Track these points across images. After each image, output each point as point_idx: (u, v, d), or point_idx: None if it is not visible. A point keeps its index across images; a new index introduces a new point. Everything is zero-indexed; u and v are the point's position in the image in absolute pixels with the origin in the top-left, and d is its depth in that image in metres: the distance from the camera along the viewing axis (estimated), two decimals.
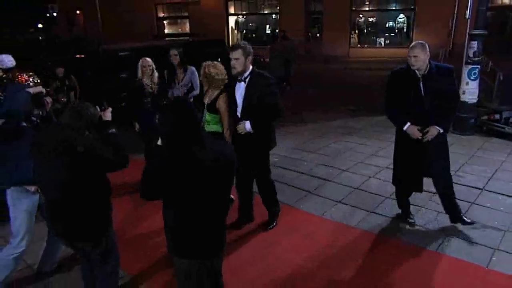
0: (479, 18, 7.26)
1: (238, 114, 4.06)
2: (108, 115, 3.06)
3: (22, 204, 3.31)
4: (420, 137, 3.98)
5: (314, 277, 3.60)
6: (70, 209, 2.74)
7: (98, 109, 2.95)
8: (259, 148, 4.14)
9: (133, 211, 4.87)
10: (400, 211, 4.57)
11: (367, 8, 21.18)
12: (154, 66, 5.44)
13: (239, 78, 3.97)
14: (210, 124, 4.42)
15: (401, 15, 20.42)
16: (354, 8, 20.91)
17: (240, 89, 4.02)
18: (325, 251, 3.98)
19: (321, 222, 4.57)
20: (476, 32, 7.25)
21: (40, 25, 40.39)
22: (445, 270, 3.64)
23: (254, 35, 25.03)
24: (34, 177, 2.90)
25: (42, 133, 3.13)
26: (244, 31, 25.14)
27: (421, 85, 3.92)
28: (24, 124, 3.30)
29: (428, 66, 3.92)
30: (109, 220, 2.99)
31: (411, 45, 4.00)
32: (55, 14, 27.76)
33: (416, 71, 3.92)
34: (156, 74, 5.49)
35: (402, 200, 4.50)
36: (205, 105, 4.44)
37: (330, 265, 3.77)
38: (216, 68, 4.32)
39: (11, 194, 3.29)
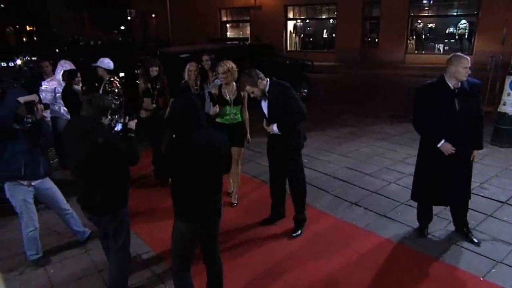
0: None
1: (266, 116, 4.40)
2: (132, 124, 3.49)
3: (18, 195, 3.94)
4: (452, 152, 3.85)
5: (303, 266, 3.88)
6: (91, 188, 3.21)
7: (127, 118, 3.47)
8: (287, 147, 4.35)
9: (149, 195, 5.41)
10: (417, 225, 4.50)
11: (426, 14, 20.57)
12: (199, 70, 5.86)
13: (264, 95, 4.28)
14: (237, 115, 5.03)
15: (463, 21, 19.58)
16: (412, 14, 20.40)
17: (264, 103, 4.33)
18: (328, 248, 4.22)
19: (330, 220, 4.81)
20: None
21: (122, 27, 43.53)
22: (438, 276, 3.73)
23: (311, 39, 25.19)
24: (63, 161, 3.55)
25: (73, 121, 3.72)
26: (302, 35, 25.37)
27: (456, 100, 3.78)
28: (17, 126, 3.77)
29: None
30: (125, 199, 3.42)
31: (459, 57, 3.77)
32: (129, 18, 29.91)
33: (451, 85, 3.80)
34: (199, 77, 5.87)
35: (423, 214, 4.38)
36: (230, 101, 4.93)
37: (324, 257, 4.01)
38: (232, 63, 4.93)
39: (8, 188, 3.93)
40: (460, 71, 3.72)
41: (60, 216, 4.38)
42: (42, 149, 4.09)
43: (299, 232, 4.50)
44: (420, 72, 17.05)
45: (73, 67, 6.15)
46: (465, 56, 3.79)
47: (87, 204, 3.30)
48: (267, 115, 4.36)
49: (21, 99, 3.82)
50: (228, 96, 4.94)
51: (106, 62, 5.66)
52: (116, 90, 5.63)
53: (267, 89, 4.21)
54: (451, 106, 3.80)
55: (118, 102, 5.54)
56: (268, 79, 4.26)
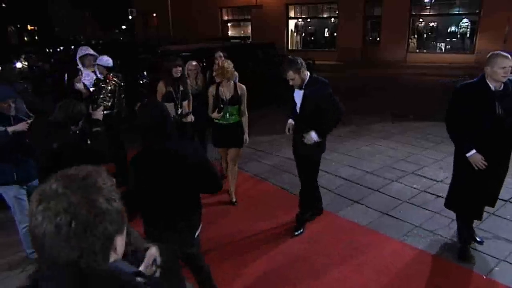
0: None
1: (297, 111, 4.22)
2: (97, 114, 3.35)
3: (9, 192, 3.93)
4: (484, 167, 3.52)
5: (305, 264, 3.87)
6: None
7: (90, 108, 3.35)
8: (314, 152, 4.28)
9: None
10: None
11: (427, 13, 20.53)
12: (199, 69, 5.82)
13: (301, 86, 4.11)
14: (234, 115, 4.97)
15: (465, 20, 19.55)
16: (414, 13, 20.37)
17: (299, 93, 4.16)
18: (330, 246, 4.22)
19: (332, 218, 4.80)
20: None
21: (123, 27, 43.75)
22: (442, 274, 3.72)
23: (312, 38, 25.17)
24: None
25: (37, 121, 3.69)
26: (303, 34, 25.35)
27: (497, 103, 3.41)
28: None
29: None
30: None
31: (495, 57, 3.39)
32: (130, 17, 30.00)
33: (492, 86, 3.43)
34: (200, 76, 5.85)
35: (463, 228, 3.98)
36: (226, 100, 4.86)
37: (326, 255, 4.00)
38: (228, 62, 4.89)
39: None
40: (497, 72, 3.36)
41: None
42: (31, 152, 3.90)
43: (301, 230, 4.48)
44: (421, 71, 17.08)
45: (91, 51, 6.06)
46: (505, 54, 3.40)
47: None
48: (298, 108, 4.19)
49: (10, 129, 3.65)
50: (224, 96, 4.90)
51: (105, 60, 5.67)
52: (110, 87, 5.61)
53: (306, 81, 4.06)
54: (491, 109, 3.42)
55: (109, 102, 5.53)
56: (308, 73, 4.09)
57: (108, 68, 5.67)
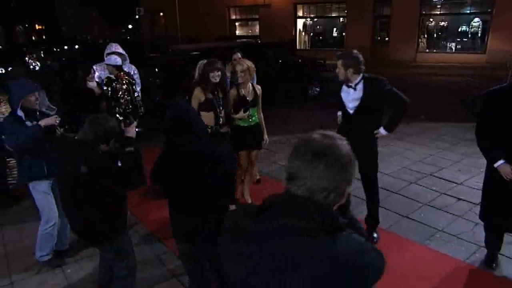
0: None
1: (350, 111, 4.03)
2: (131, 131, 3.00)
3: (40, 187, 3.85)
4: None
5: None
6: (78, 212, 2.84)
7: (122, 125, 3.12)
8: (370, 150, 4.12)
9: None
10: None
11: (438, 12, 20.33)
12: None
13: (347, 84, 3.97)
14: (255, 116, 4.87)
15: (476, 19, 19.33)
16: (424, 12, 20.18)
17: (349, 94, 3.99)
18: None
19: None
20: None
21: (130, 26, 43.79)
22: (470, 281, 3.60)
23: (321, 38, 25.03)
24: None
25: (62, 137, 3.55)
26: (311, 33, 25.22)
27: None
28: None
29: None
30: (121, 225, 3.01)
31: None
32: (137, 16, 30.04)
33: None
34: None
35: (491, 238, 3.78)
36: (249, 101, 4.71)
37: None
38: (250, 62, 4.75)
39: (31, 184, 3.86)
40: None
41: (62, 217, 4.08)
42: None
43: (377, 235, 4.27)
44: (431, 71, 16.90)
45: (120, 49, 5.92)
46: None
47: (77, 228, 3.01)
48: (353, 109, 3.99)
49: (42, 123, 3.64)
50: (247, 97, 4.77)
51: (113, 59, 5.55)
52: (124, 86, 5.53)
53: (356, 81, 3.89)
54: None
55: (130, 106, 5.47)
56: (360, 76, 3.90)
57: (117, 67, 5.57)
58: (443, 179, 5.75)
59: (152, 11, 30.45)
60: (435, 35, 20.77)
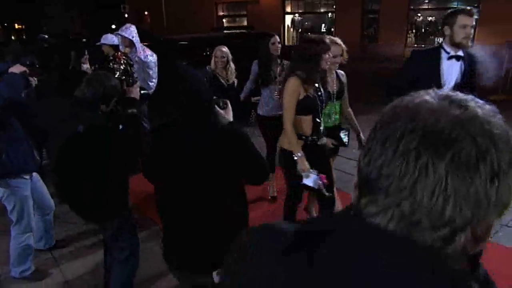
0: None
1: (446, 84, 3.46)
2: (134, 91, 2.79)
3: (22, 192, 3.35)
4: None
5: None
6: (76, 186, 2.60)
7: (125, 84, 2.85)
8: None
9: None
10: None
11: (426, 7, 20.53)
12: (230, 57, 4.90)
13: (453, 54, 3.38)
14: (338, 114, 3.92)
15: None
16: (412, 7, 20.35)
17: (452, 67, 3.42)
18: None
19: None
20: None
21: (113, 26, 43.19)
22: (496, 259, 3.52)
23: (309, 34, 24.97)
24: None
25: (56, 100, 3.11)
26: (300, 29, 25.21)
27: None
28: None
29: None
30: (123, 202, 2.81)
31: None
32: (126, 15, 29.60)
33: None
34: (232, 66, 4.95)
35: None
36: (333, 94, 3.76)
37: None
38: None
39: (12, 184, 3.25)
40: None
41: (42, 216, 3.83)
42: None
43: None
44: None
45: (127, 34, 5.33)
46: None
47: (76, 204, 2.73)
48: (452, 83, 3.43)
49: (14, 69, 3.13)
50: (331, 89, 3.67)
51: (110, 38, 5.35)
52: (122, 67, 5.28)
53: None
54: None
55: (131, 80, 5.03)
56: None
57: (113, 47, 5.37)
58: None
59: (137, 9, 30.04)
60: (423, 30, 20.95)
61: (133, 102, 2.72)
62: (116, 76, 5.24)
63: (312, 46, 3.14)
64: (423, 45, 20.55)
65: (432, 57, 3.43)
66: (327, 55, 3.13)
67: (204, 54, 7.56)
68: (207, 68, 4.86)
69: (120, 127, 2.70)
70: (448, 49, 3.39)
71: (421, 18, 20.86)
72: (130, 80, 4.89)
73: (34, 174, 3.55)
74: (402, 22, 20.19)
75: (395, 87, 3.52)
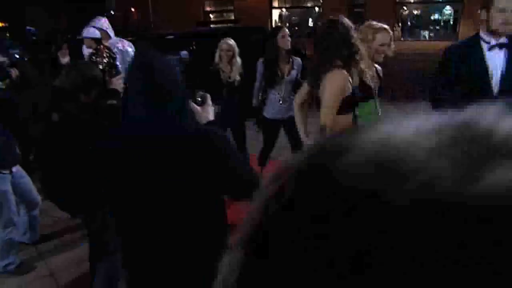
0: None
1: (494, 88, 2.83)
2: (116, 83, 2.72)
3: (1, 186, 3.27)
4: None
5: None
6: (54, 175, 2.45)
7: (106, 75, 2.74)
8: None
9: None
10: None
11: (412, 0, 20.68)
12: (236, 51, 4.56)
13: (494, 43, 2.81)
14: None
15: (448, 7, 19.77)
16: (398, 1, 20.49)
17: (495, 57, 2.84)
18: None
19: None
20: None
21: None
22: None
23: (296, 28, 25.03)
24: None
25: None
26: (287, 24, 25.19)
27: None
28: None
29: None
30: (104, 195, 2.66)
31: None
32: (112, 12, 29.28)
33: None
34: (238, 60, 4.60)
35: None
36: (375, 91, 3.19)
37: None
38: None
39: None
40: None
41: (28, 212, 3.77)
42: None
43: None
44: (407, 58, 17.14)
45: (99, 25, 5.23)
46: None
47: (55, 194, 2.54)
48: (501, 73, 2.82)
49: None
50: (371, 84, 3.06)
51: (92, 31, 5.13)
52: (106, 60, 5.05)
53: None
54: None
55: (114, 72, 4.81)
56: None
57: (96, 40, 5.26)
58: None
59: (123, 6, 29.70)
60: (409, 23, 21.13)
61: (114, 93, 2.66)
62: (101, 68, 5.17)
63: (349, 30, 2.77)
64: (409, 39, 20.79)
65: (472, 50, 2.96)
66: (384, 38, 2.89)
67: (191, 49, 7.54)
68: (182, 54, 4.60)
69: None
70: (486, 38, 2.85)
71: (407, 11, 21.01)
72: (114, 72, 4.80)
73: (17, 169, 3.49)
74: (388, 15, 20.28)
75: (437, 89, 3.13)
